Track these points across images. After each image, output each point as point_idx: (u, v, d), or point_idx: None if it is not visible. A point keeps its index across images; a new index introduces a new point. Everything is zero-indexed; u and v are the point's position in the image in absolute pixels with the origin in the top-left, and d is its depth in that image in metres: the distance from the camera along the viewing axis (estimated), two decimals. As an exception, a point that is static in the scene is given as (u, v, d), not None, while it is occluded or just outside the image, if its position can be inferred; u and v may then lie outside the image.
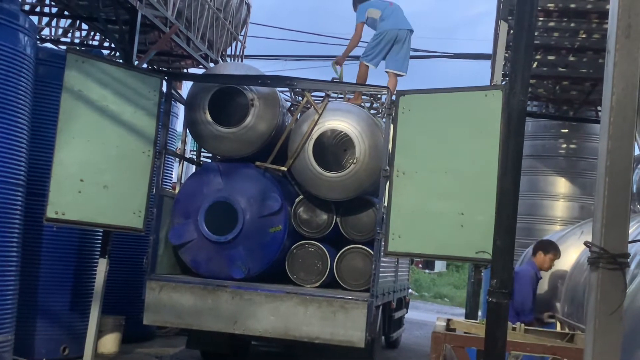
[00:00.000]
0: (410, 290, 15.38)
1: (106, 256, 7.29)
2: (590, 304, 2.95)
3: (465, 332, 5.92)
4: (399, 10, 8.62)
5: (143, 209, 6.97)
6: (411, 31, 8.56)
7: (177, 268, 7.64)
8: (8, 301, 6.57)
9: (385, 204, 6.70)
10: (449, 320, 5.96)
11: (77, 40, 11.05)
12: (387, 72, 8.55)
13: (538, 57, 10.55)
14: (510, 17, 8.32)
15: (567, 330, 6.35)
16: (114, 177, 6.85)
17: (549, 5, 8.95)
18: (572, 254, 8.05)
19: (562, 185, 13.27)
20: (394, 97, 6.86)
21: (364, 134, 7.27)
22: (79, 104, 6.70)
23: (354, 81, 8.39)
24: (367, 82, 8.36)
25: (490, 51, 10.68)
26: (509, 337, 4.42)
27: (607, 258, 2.87)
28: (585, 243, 3.00)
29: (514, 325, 5.68)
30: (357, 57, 9.18)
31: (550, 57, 10.78)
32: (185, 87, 11.29)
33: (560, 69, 11.26)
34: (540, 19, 9.14)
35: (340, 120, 7.36)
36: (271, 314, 6.79)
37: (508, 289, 3.86)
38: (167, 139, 7.65)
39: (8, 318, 6.55)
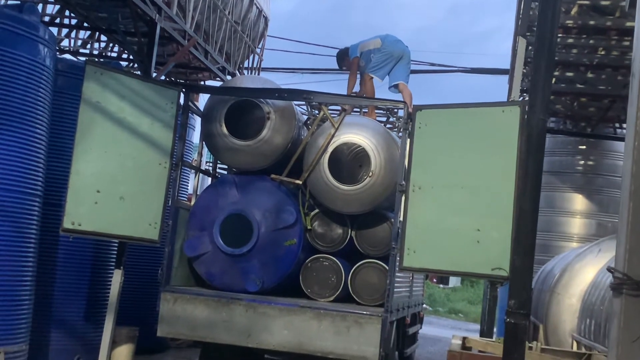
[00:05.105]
0: (424, 305, 15.28)
1: (121, 267, 7.31)
2: (612, 331, 2.90)
3: (480, 351, 5.87)
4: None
5: (159, 220, 6.97)
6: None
7: (191, 280, 7.63)
8: (23, 311, 6.59)
9: (401, 218, 6.66)
10: (464, 338, 5.91)
11: (96, 52, 11.13)
12: (396, 85, 8.68)
13: (556, 73, 10.50)
14: (528, 34, 8.29)
15: (583, 350, 6.28)
16: (130, 189, 6.86)
17: (568, 22, 8.92)
18: (589, 272, 7.98)
19: (579, 202, 13.18)
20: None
21: (379, 147, 7.25)
22: (96, 116, 6.72)
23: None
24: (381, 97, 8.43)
25: (502, 66, 10.65)
26: (526, 357, 4.37)
27: (630, 284, 2.81)
28: (609, 268, 2.94)
29: (530, 345, 5.62)
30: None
31: (569, 74, 10.74)
32: (202, 99, 11.35)
33: (579, 86, 11.21)
34: (559, 35, 9.10)
35: (356, 133, 7.35)
36: (285, 328, 6.76)
37: (526, 309, 3.82)
38: (183, 151, 7.66)
39: (23, 328, 6.58)
